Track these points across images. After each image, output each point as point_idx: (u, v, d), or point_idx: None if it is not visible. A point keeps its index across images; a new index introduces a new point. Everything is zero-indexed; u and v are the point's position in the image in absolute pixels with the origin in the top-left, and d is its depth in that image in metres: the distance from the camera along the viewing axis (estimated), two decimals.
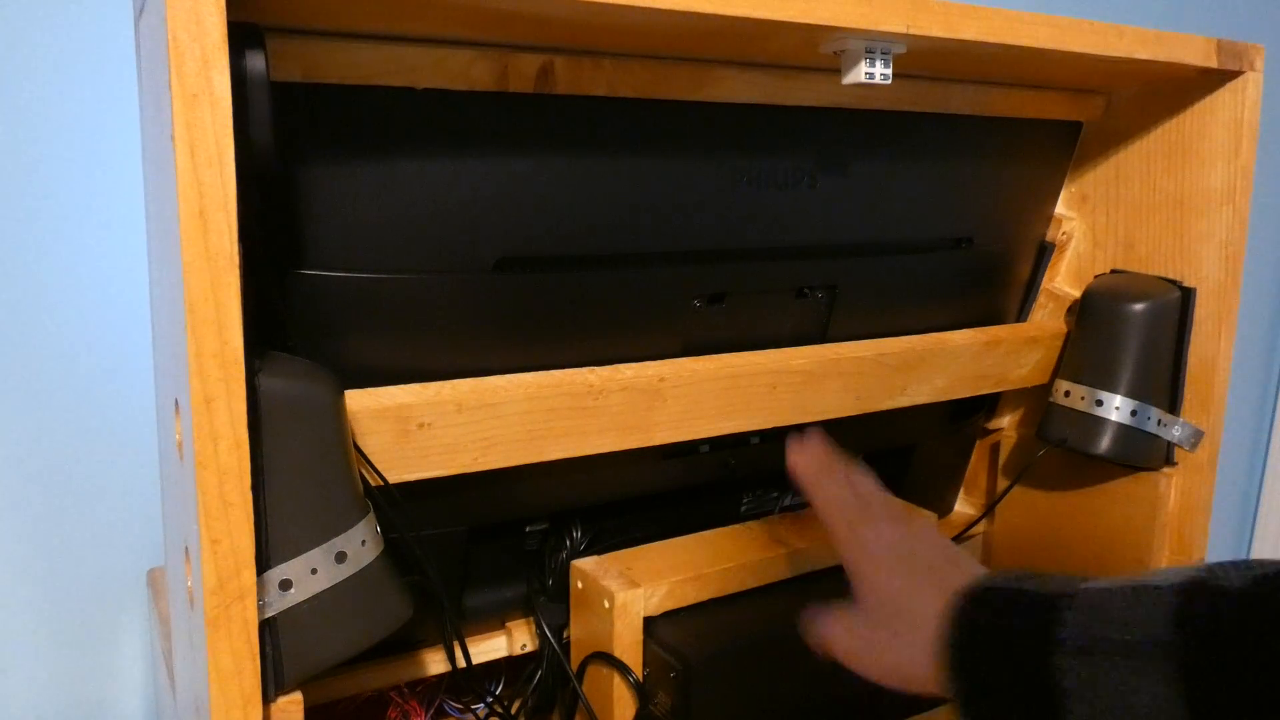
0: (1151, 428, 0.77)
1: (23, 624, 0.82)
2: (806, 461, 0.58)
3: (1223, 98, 0.75)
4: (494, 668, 0.71)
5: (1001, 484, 0.92)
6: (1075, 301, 0.84)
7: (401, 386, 0.55)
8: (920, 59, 0.62)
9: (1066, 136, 0.83)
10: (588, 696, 0.66)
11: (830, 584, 0.71)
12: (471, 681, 0.70)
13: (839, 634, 0.53)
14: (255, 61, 0.43)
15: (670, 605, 0.65)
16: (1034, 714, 0.44)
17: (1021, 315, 0.89)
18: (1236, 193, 0.75)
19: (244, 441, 0.40)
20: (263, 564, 0.43)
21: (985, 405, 0.92)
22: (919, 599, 0.50)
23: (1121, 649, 0.41)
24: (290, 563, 0.44)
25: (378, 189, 0.54)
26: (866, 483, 0.58)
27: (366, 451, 0.53)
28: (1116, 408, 0.77)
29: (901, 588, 0.51)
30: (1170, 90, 0.78)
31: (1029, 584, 0.47)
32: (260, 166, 0.44)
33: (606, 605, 0.63)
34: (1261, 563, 0.40)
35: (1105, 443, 0.77)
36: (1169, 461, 0.80)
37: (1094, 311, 0.80)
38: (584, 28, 0.51)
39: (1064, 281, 0.88)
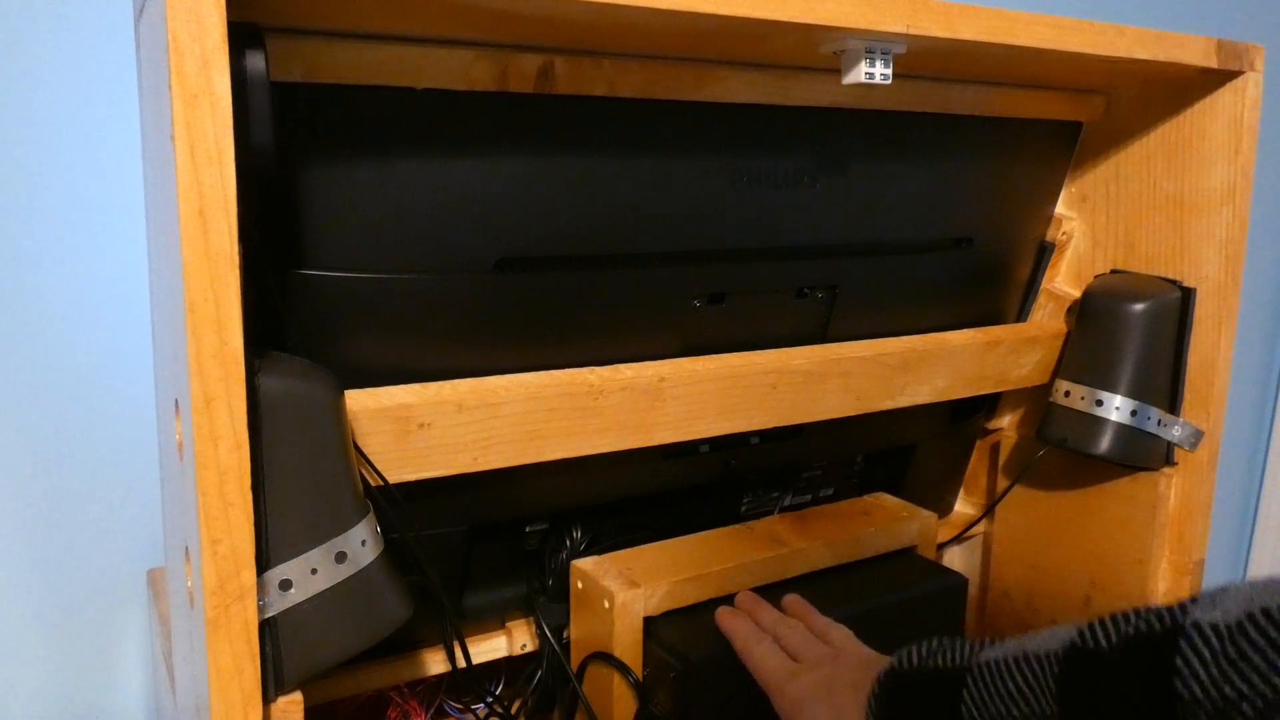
0: (1151, 428, 0.77)
1: (23, 624, 0.82)
2: (737, 627, 0.62)
3: (1223, 98, 0.75)
4: (494, 668, 0.71)
5: (1001, 484, 0.92)
6: (1075, 301, 0.84)
7: (401, 386, 0.55)
8: (920, 59, 0.62)
9: (1066, 136, 0.83)
10: (588, 696, 0.66)
11: (830, 584, 0.72)
12: (471, 681, 0.70)
13: None
14: (255, 61, 0.43)
15: (670, 605, 0.65)
16: None
17: (1021, 315, 0.89)
18: (1236, 193, 0.75)
19: (244, 441, 0.40)
20: (263, 564, 0.43)
21: (985, 405, 0.92)
22: (844, 712, 0.52)
23: None
24: (290, 563, 0.44)
25: (378, 189, 0.54)
26: (794, 634, 0.61)
27: (366, 451, 0.53)
28: (1116, 408, 0.77)
29: (828, 713, 0.53)
30: (1170, 90, 0.78)
31: (933, 660, 0.49)
32: (260, 166, 0.44)
33: (606, 605, 0.63)
34: (1138, 614, 0.41)
35: (1105, 443, 0.77)
36: (1169, 461, 0.80)
37: (1094, 311, 0.79)
38: (584, 28, 0.51)
39: (1064, 281, 0.88)
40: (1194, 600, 0.40)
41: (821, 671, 0.56)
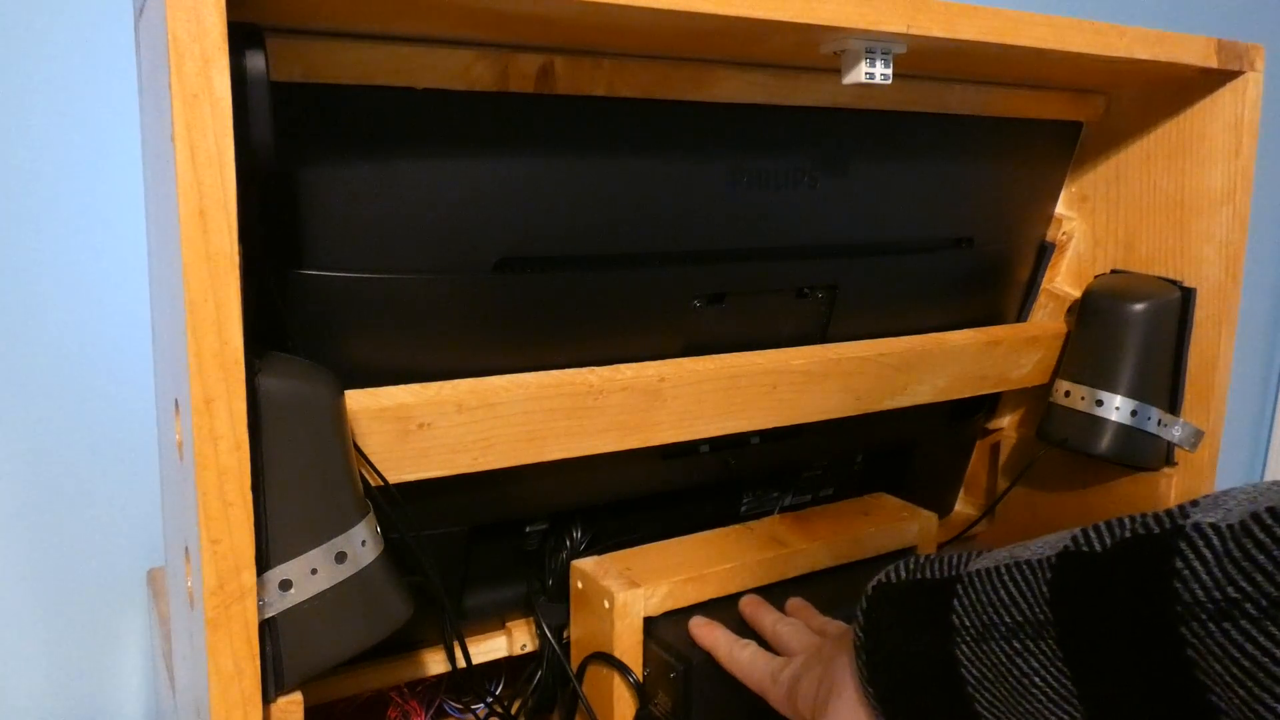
0: (1152, 428, 0.77)
1: (23, 624, 0.82)
2: (716, 638, 0.62)
3: (1223, 98, 0.75)
4: (494, 668, 0.71)
5: (1001, 484, 0.92)
6: (1075, 301, 0.84)
7: (401, 386, 0.55)
8: (920, 59, 0.62)
9: (1066, 136, 0.83)
10: (588, 696, 0.66)
11: (830, 584, 0.71)
12: (471, 681, 0.70)
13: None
14: (255, 61, 0.43)
15: (670, 605, 0.65)
16: (946, 708, 0.44)
17: (1021, 315, 0.89)
18: (1236, 193, 0.75)
19: (244, 441, 0.40)
20: (263, 564, 0.43)
21: (985, 405, 0.92)
22: (834, 666, 0.51)
23: (1008, 631, 0.42)
24: (290, 563, 0.44)
25: (378, 189, 0.54)
26: (791, 630, 0.60)
27: (366, 451, 0.53)
28: (1116, 408, 0.77)
29: (818, 675, 0.53)
30: (1170, 90, 0.78)
31: (922, 572, 0.48)
32: (260, 166, 0.44)
33: (606, 605, 0.63)
34: (1134, 519, 0.40)
35: (1105, 443, 0.77)
36: (1169, 461, 0.80)
37: (1094, 311, 0.80)
38: (584, 28, 0.51)
39: (1064, 281, 0.88)
40: (1194, 503, 0.39)
41: (809, 651, 0.56)
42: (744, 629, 0.63)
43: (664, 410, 0.63)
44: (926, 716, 0.45)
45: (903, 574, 0.49)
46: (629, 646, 0.63)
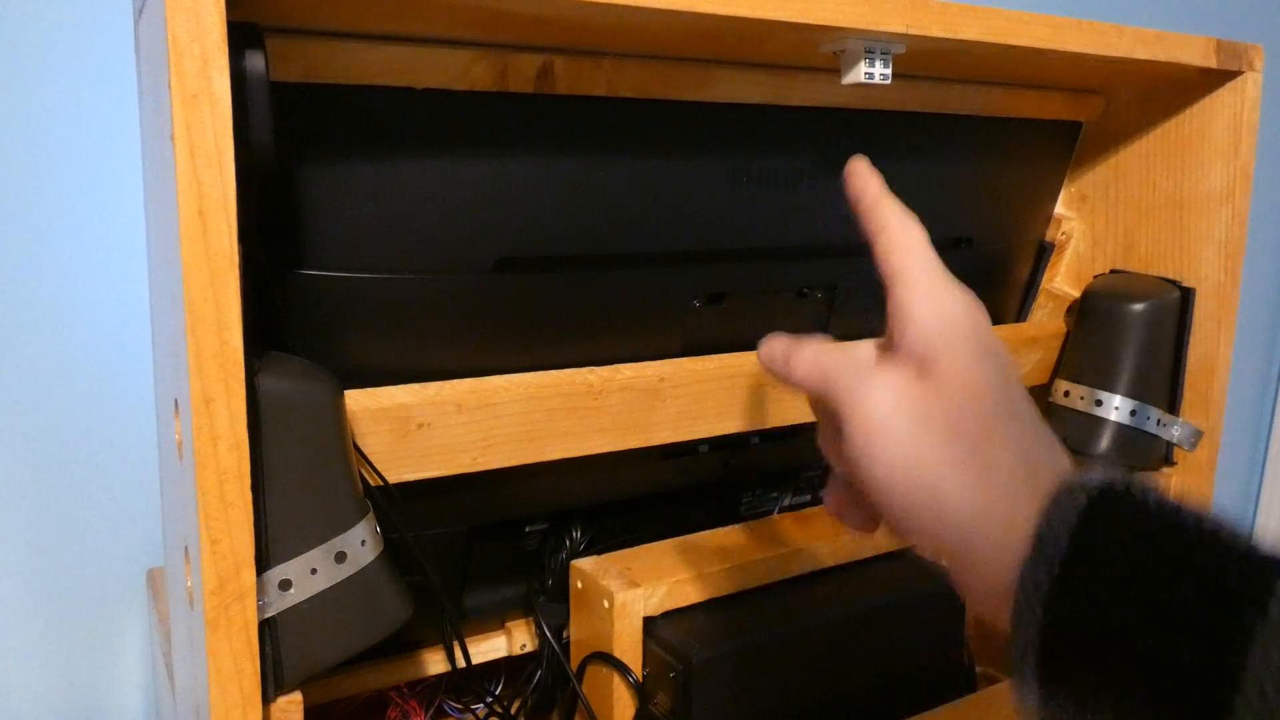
0: (1151, 428, 0.77)
1: (23, 624, 0.82)
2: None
3: (1222, 98, 0.75)
4: (494, 668, 0.71)
5: None
6: (1075, 301, 0.84)
7: (401, 386, 0.55)
8: (920, 59, 0.62)
9: (1066, 136, 0.83)
10: (587, 696, 0.66)
11: (830, 584, 0.71)
12: (471, 681, 0.70)
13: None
14: (255, 61, 0.43)
15: (670, 605, 0.65)
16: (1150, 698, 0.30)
17: (1021, 315, 0.89)
18: (1236, 193, 0.75)
19: (244, 441, 0.40)
20: (262, 564, 0.43)
21: None
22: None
23: None
24: (290, 563, 0.44)
25: (378, 189, 0.54)
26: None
27: (366, 451, 0.53)
28: (1116, 408, 0.77)
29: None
30: (1170, 90, 0.78)
31: (1212, 524, 0.31)
32: (260, 166, 0.44)
33: (606, 605, 0.63)
34: None
35: (1105, 443, 0.77)
36: (1168, 461, 0.80)
37: (1094, 311, 0.80)
38: (584, 28, 0.51)
39: (1064, 281, 0.88)
40: None
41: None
42: (745, 629, 0.63)
43: (663, 410, 0.63)
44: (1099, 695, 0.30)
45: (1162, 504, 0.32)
46: (629, 646, 0.63)
